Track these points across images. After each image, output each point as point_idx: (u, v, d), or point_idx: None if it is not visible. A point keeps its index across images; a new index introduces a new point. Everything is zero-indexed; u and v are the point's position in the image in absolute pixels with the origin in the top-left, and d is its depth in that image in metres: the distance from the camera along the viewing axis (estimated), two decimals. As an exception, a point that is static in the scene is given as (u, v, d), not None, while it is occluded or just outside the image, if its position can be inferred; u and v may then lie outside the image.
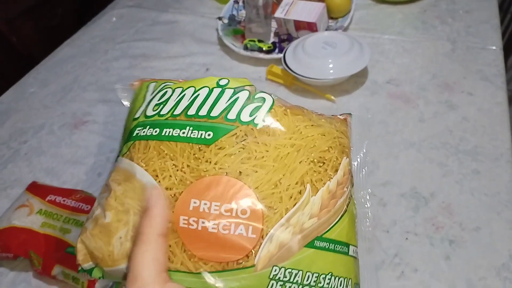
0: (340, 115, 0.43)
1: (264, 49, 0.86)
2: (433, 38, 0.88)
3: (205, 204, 0.31)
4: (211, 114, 0.34)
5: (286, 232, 0.31)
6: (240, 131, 0.34)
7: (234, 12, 0.99)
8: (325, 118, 0.39)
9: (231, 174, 0.32)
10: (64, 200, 0.62)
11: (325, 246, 0.32)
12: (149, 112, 0.36)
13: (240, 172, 0.32)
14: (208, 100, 0.35)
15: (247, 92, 0.35)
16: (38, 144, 0.80)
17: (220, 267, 0.30)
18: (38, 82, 0.94)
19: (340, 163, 0.35)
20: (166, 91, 0.37)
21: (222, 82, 0.36)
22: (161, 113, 0.35)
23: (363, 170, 0.42)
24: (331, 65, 0.75)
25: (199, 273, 0.30)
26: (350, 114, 0.44)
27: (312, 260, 0.32)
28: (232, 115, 0.34)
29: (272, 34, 0.92)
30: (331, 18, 0.93)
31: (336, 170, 0.35)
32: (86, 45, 1.04)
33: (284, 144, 0.34)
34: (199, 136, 0.33)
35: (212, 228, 0.30)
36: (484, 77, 0.78)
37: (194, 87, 0.36)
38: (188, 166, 0.32)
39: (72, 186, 0.69)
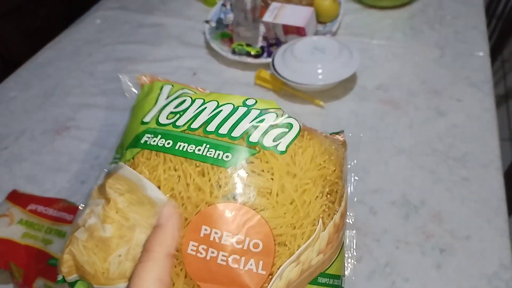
0: (338, 133, 0.42)
1: (252, 53, 0.85)
2: (421, 43, 0.88)
3: (216, 233, 0.29)
4: (232, 134, 0.31)
5: (295, 270, 0.29)
6: (261, 157, 0.31)
7: (222, 16, 0.97)
8: (331, 141, 0.36)
9: (247, 204, 0.30)
10: (46, 210, 0.60)
11: (325, 282, 0.31)
12: (163, 119, 0.33)
13: (257, 204, 0.30)
14: (231, 118, 0.32)
15: (274, 115, 0.33)
16: (19, 150, 0.77)
17: None
18: (19, 86, 0.91)
19: (344, 194, 0.34)
20: (185, 100, 0.34)
21: (249, 102, 0.33)
22: (177, 124, 0.33)
23: (349, 185, 0.41)
24: (320, 70, 0.75)
25: None
26: (343, 131, 0.43)
27: None
28: (254, 137, 0.31)
29: (260, 38, 0.91)
30: (320, 22, 0.93)
31: (341, 202, 0.33)
32: (69, 48, 1.01)
33: (304, 177, 0.31)
34: (215, 156, 0.30)
35: (221, 259, 0.28)
36: (472, 83, 0.78)
37: (217, 102, 0.33)
38: (200, 189, 0.30)
39: (54, 195, 0.67)
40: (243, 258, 0.28)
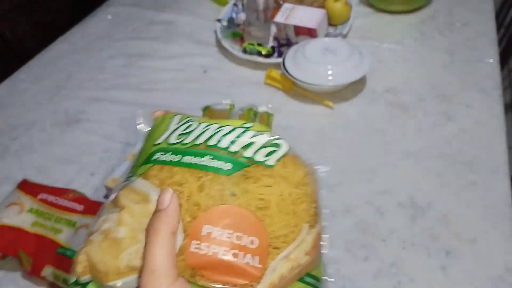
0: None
1: (263, 53, 0.86)
2: (431, 49, 0.88)
3: (218, 231, 0.32)
4: (230, 149, 0.36)
5: (286, 265, 0.33)
6: (255, 169, 0.35)
7: (233, 15, 0.98)
8: (311, 168, 0.41)
9: (245, 206, 0.33)
10: (56, 199, 0.61)
11: (311, 282, 0.35)
12: (172, 140, 0.38)
13: (253, 206, 0.34)
14: (229, 135, 0.37)
15: (267, 136, 0.38)
16: (29, 141, 0.78)
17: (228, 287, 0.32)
18: (31, 78, 0.92)
19: (320, 216, 0.38)
20: (191, 124, 0.39)
21: (247, 125, 0.38)
22: (184, 142, 0.37)
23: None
24: (330, 72, 0.75)
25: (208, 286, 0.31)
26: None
27: None
28: (248, 153, 0.36)
29: (271, 38, 0.92)
30: (331, 25, 0.93)
31: (320, 220, 0.38)
32: (80, 42, 1.02)
33: (292, 186, 0.36)
34: (217, 166, 0.35)
35: (223, 254, 0.31)
36: (481, 89, 0.78)
37: (220, 124, 0.38)
38: (203, 192, 0.34)
39: (64, 185, 0.68)
40: (241, 253, 0.32)
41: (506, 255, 0.56)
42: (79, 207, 0.60)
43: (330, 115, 0.77)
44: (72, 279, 0.34)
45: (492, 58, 0.84)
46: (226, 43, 0.90)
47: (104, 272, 0.32)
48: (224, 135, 0.37)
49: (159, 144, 0.38)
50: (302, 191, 0.36)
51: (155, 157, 0.37)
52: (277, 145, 0.38)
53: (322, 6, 0.92)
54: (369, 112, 0.76)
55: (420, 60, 0.86)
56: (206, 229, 0.32)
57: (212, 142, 0.37)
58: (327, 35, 0.91)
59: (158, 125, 0.42)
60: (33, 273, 0.55)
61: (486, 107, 0.75)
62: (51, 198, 0.61)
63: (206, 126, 0.38)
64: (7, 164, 0.74)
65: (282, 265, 0.33)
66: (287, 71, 0.77)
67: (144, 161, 0.37)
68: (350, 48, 0.78)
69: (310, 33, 0.85)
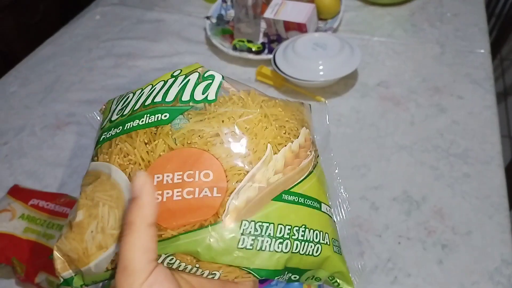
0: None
1: (253, 49, 0.85)
2: (422, 41, 0.88)
3: (168, 176, 0.31)
4: (166, 100, 0.35)
5: (252, 187, 0.31)
6: (195, 110, 0.34)
7: (222, 12, 0.97)
8: (278, 99, 0.40)
9: (192, 146, 0.32)
10: (47, 205, 0.60)
11: (294, 200, 0.33)
12: (113, 117, 0.37)
13: (201, 143, 0.32)
14: (162, 89, 0.36)
15: (197, 74, 0.36)
16: (19, 145, 0.77)
17: (190, 228, 0.30)
18: (19, 81, 0.91)
19: (300, 131, 0.37)
20: (128, 96, 0.38)
21: (175, 73, 0.37)
22: (124, 113, 0.36)
23: (331, 153, 0.43)
24: (321, 67, 0.75)
25: (174, 236, 0.30)
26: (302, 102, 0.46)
27: (283, 213, 0.32)
28: (186, 96, 0.35)
29: (261, 35, 0.91)
30: (320, 19, 0.93)
31: (296, 136, 0.36)
32: (68, 44, 1.01)
33: (246, 115, 0.34)
34: (156, 120, 0.34)
35: (176, 196, 0.30)
36: (473, 80, 0.78)
37: (152, 84, 0.37)
38: (147, 152, 0.33)
39: (55, 190, 0.67)
40: (196, 189, 0.31)
41: (502, 247, 0.56)
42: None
43: (322, 110, 0.76)
44: (60, 280, 0.33)
45: (483, 48, 0.84)
46: (216, 41, 0.89)
47: (77, 259, 0.32)
48: (158, 92, 0.36)
49: (103, 127, 0.37)
50: (262, 114, 0.35)
51: (101, 137, 0.36)
52: (210, 77, 0.36)
53: (311, 0, 0.91)
54: (361, 107, 0.76)
55: (411, 52, 0.86)
56: (155, 179, 0.31)
57: (148, 102, 0.36)
58: (317, 29, 0.90)
59: (104, 115, 0.41)
60: (27, 280, 0.55)
61: (478, 98, 0.75)
62: (42, 203, 0.60)
63: (141, 92, 0.37)
64: (-3, 170, 0.73)
65: (246, 188, 0.31)
66: (277, 67, 0.77)
67: (95, 146, 0.37)
68: (340, 42, 0.77)
69: (300, 28, 0.85)
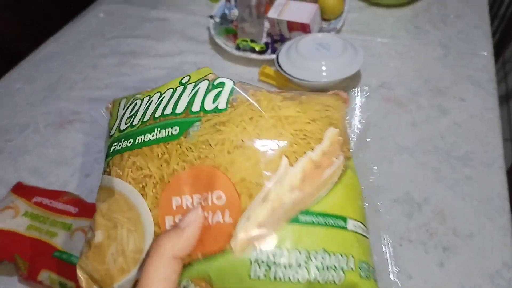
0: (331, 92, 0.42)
1: (256, 49, 0.85)
2: (425, 42, 0.88)
3: (187, 199, 0.30)
4: (176, 111, 0.34)
5: (264, 209, 0.29)
6: (206, 120, 0.33)
7: (226, 11, 0.97)
8: (306, 94, 0.38)
9: (203, 163, 0.31)
10: (51, 202, 0.60)
11: (312, 221, 0.30)
12: (122, 126, 0.36)
13: (212, 160, 0.31)
14: (172, 99, 0.35)
15: (207, 81, 0.35)
16: (23, 143, 0.77)
17: (203, 256, 0.29)
18: (23, 79, 0.91)
19: (325, 134, 0.33)
20: (136, 103, 0.37)
21: (184, 80, 0.36)
22: (133, 124, 0.35)
23: (367, 140, 0.41)
24: (324, 67, 0.75)
25: (189, 263, 0.29)
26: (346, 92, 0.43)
27: (299, 236, 0.29)
28: (196, 107, 0.34)
29: (264, 35, 0.91)
30: (324, 19, 0.93)
31: (320, 140, 0.33)
32: (72, 42, 1.01)
33: (257, 121, 0.32)
34: (166, 134, 0.33)
35: None
36: (475, 82, 0.78)
37: (160, 92, 0.36)
38: (161, 166, 0.32)
39: (59, 188, 0.67)
40: (210, 213, 0.29)
41: (503, 249, 0.56)
42: (74, 210, 0.59)
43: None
44: None
45: (486, 51, 0.84)
46: (219, 40, 0.90)
47: (100, 280, 0.32)
48: (167, 102, 0.35)
49: (113, 135, 0.37)
50: (275, 120, 0.32)
51: (112, 149, 0.35)
52: (220, 84, 0.35)
53: (314, 0, 0.91)
54: (364, 108, 0.76)
55: (414, 53, 0.86)
56: (175, 201, 0.30)
57: (157, 114, 0.34)
58: (321, 30, 0.90)
59: (111, 117, 0.40)
60: (29, 277, 0.55)
61: (480, 100, 0.75)
62: (45, 201, 0.60)
63: (149, 100, 0.36)
64: (1, 167, 0.73)
65: (258, 210, 0.29)
66: (280, 67, 0.77)
67: (106, 156, 0.36)
68: (343, 43, 0.77)
69: (304, 28, 0.85)
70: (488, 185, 0.63)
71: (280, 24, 0.87)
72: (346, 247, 0.30)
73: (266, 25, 0.91)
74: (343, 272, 0.29)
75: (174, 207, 0.30)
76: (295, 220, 0.29)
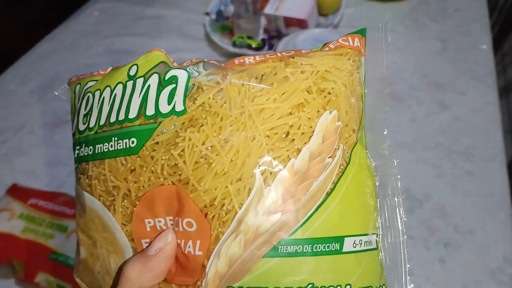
0: (337, 41, 0.33)
1: (253, 46, 0.84)
2: (423, 36, 0.87)
3: (159, 221, 0.27)
4: (129, 116, 0.28)
5: (236, 243, 0.24)
6: (164, 126, 0.27)
7: (222, 8, 0.96)
8: (296, 58, 0.29)
9: (170, 179, 0.26)
10: (46, 204, 0.59)
11: (296, 250, 0.24)
12: (81, 126, 0.31)
13: (178, 176, 0.26)
14: (124, 99, 0.29)
15: (157, 76, 0.28)
16: (19, 144, 0.76)
17: None
18: (18, 79, 0.90)
19: (316, 124, 0.26)
20: (88, 97, 0.31)
21: (132, 71, 0.29)
22: (90, 126, 0.30)
23: (386, 108, 0.32)
24: (322, 63, 0.74)
25: None
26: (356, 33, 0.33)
27: (281, 271, 0.24)
28: (150, 110, 0.27)
29: (261, 31, 0.90)
30: (321, 14, 0.92)
31: (308, 136, 0.26)
32: (67, 41, 1.00)
33: (221, 124, 0.26)
34: (124, 146, 0.28)
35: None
36: (475, 76, 0.78)
37: (110, 87, 0.30)
38: (127, 179, 0.27)
39: (54, 189, 0.66)
40: (182, 241, 0.26)
41: (504, 245, 0.55)
42: (70, 211, 0.58)
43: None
44: None
45: (485, 44, 0.83)
46: (215, 37, 0.89)
47: None
48: (120, 104, 0.29)
49: (74, 134, 0.32)
50: (243, 122, 0.26)
51: (76, 153, 0.31)
52: (172, 79, 0.28)
53: (312, -5, 0.90)
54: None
55: (412, 48, 0.85)
56: (147, 223, 0.27)
57: (112, 118, 0.29)
58: (318, 25, 0.89)
59: (71, 104, 0.34)
60: (26, 280, 0.54)
61: (480, 94, 0.74)
62: (41, 203, 0.59)
63: (100, 96, 0.30)
64: (-4, 169, 0.73)
65: (229, 244, 0.24)
66: (278, 64, 0.76)
67: (74, 159, 0.32)
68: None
69: (301, 24, 0.84)
70: (489, 180, 0.62)
71: (277, 20, 0.86)
72: (343, 275, 0.26)
73: (263, 21, 0.90)
74: None
75: (148, 229, 0.27)
76: (273, 253, 0.24)
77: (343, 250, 0.26)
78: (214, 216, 0.25)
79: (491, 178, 0.62)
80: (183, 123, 0.27)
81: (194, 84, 0.28)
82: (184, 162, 0.26)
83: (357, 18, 0.93)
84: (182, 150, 0.26)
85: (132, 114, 0.28)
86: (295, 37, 0.78)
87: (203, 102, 0.27)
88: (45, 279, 0.54)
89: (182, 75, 0.28)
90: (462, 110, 0.72)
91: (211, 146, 0.26)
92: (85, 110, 0.31)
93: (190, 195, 0.25)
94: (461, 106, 0.73)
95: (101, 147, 0.29)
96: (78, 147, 0.31)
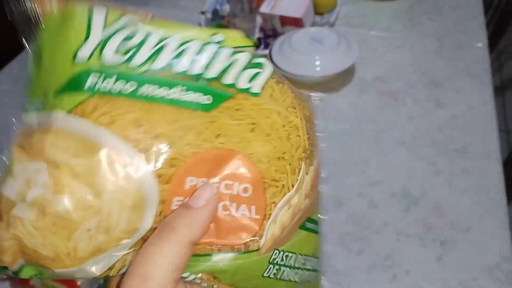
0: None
1: (249, 45, 0.84)
2: (420, 35, 0.87)
3: (203, 181, 0.26)
4: (207, 75, 0.27)
5: (287, 213, 0.28)
6: (238, 99, 0.28)
7: (217, 7, 0.96)
8: (298, 92, 0.34)
9: (232, 147, 0.27)
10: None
11: (312, 228, 0.31)
12: (109, 56, 0.26)
13: (242, 146, 0.27)
14: (200, 55, 0.27)
15: (248, 55, 0.29)
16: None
17: (229, 249, 0.26)
18: (11, 79, 0.90)
19: (317, 146, 0.33)
20: (135, 32, 0.27)
21: (217, 38, 0.29)
22: (133, 61, 0.26)
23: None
24: (318, 62, 0.74)
25: (209, 254, 0.26)
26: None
27: (303, 242, 0.30)
28: (229, 79, 0.28)
29: (257, 30, 0.90)
30: (317, 13, 0.92)
31: (318, 149, 0.32)
32: (63, 40, 0.99)
33: (283, 117, 0.29)
34: (196, 100, 0.26)
35: None
36: (471, 74, 0.78)
37: (180, 36, 0.28)
38: (181, 137, 0.26)
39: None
40: (234, 205, 0.26)
41: (501, 242, 0.55)
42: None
43: (319, 106, 0.75)
44: (5, 272, 0.26)
45: (481, 42, 0.84)
46: (212, 36, 0.88)
47: (52, 258, 0.24)
48: (195, 56, 0.27)
49: (85, 61, 0.26)
50: (295, 121, 0.30)
51: (89, 83, 0.25)
52: (260, 65, 0.29)
53: (307, -6, 0.90)
54: (360, 102, 0.75)
55: (409, 46, 0.85)
56: (189, 181, 0.26)
57: (180, 68, 0.27)
58: (314, 24, 0.89)
59: (61, 25, 0.28)
60: (21, 281, 0.54)
61: (476, 92, 0.74)
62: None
63: (162, 40, 0.27)
64: (-9, 169, 0.72)
65: (283, 213, 0.28)
66: (274, 63, 0.76)
67: (67, 86, 0.26)
68: (337, 37, 0.76)
69: (296, 22, 0.84)
70: (485, 178, 0.62)
71: (272, 19, 0.86)
72: (319, 250, 0.33)
73: (259, 20, 0.90)
74: (319, 274, 0.33)
75: (187, 187, 0.26)
76: (303, 227, 0.30)
77: (318, 231, 0.33)
78: (270, 181, 0.28)
79: (488, 176, 0.62)
80: (257, 102, 0.28)
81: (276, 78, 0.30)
82: (255, 138, 0.28)
83: (354, 17, 0.93)
84: (252, 126, 0.28)
85: (211, 74, 0.27)
86: (291, 36, 0.78)
87: (268, 92, 0.29)
88: (41, 282, 0.54)
89: (268, 66, 0.30)
90: (459, 108, 0.72)
91: (275, 131, 0.29)
92: (125, 40, 0.27)
93: (257, 164, 0.27)
94: (457, 104, 0.73)
95: (153, 89, 0.26)
96: (98, 76, 0.26)
